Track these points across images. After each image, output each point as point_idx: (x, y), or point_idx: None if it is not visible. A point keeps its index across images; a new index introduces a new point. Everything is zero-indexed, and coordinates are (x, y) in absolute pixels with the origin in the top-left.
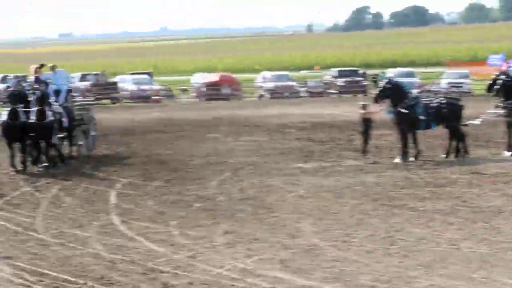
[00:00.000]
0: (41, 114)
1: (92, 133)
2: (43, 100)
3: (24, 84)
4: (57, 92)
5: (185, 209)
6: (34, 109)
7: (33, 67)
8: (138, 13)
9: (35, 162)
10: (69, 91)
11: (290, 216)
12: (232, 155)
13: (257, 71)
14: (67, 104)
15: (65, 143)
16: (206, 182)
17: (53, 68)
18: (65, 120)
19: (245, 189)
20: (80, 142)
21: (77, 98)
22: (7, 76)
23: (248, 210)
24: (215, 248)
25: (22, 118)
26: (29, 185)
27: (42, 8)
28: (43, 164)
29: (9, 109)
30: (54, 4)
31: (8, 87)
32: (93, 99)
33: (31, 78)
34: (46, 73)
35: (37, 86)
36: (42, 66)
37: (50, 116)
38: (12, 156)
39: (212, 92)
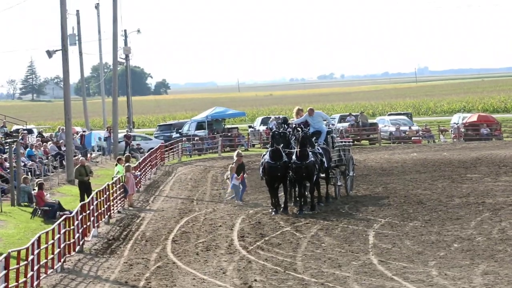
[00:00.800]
0: (302, 154)
1: (351, 173)
2: (305, 141)
3: (285, 126)
4: (315, 134)
5: (444, 249)
6: (296, 149)
7: (295, 109)
8: (398, 55)
9: (296, 202)
10: (329, 132)
11: None
12: (491, 196)
13: None
14: (325, 145)
15: (323, 183)
16: (464, 222)
17: (310, 112)
18: (325, 160)
19: (504, 230)
20: (339, 183)
21: (336, 139)
22: (268, 117)
23: (508, 250)
24: None
25: (284, 158)
26: (289, 225)
27: (301, 51)
28: (304, 205)
29: (271, 149)
30: (314, 46)
31: (269, 128)
32: (352, 140)
33: (293, 119)
34: (304, 115)
35: (298, 127)
36: (300, 110)
37: (311, 157)
38: (273, 197)
39: (471, 132)
